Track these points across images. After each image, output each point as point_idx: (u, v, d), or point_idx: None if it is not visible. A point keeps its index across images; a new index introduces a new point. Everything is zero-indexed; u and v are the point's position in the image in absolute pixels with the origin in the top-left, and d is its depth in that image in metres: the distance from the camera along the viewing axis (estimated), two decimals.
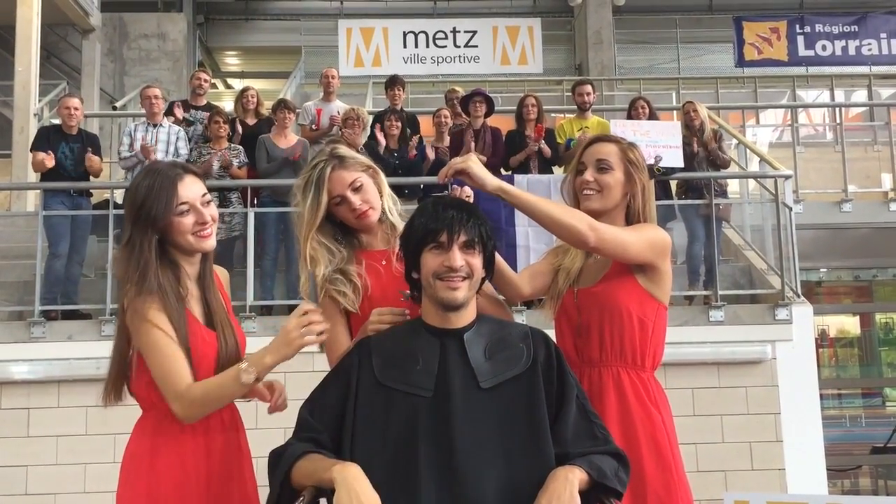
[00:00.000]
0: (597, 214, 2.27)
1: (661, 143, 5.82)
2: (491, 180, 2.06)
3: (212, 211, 2.14)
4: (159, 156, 6.22)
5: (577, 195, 2.34)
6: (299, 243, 2.22)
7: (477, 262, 1.91)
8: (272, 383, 2.24)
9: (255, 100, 7.06)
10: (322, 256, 2.18)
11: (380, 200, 2.26)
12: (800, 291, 5.84)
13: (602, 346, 2.23)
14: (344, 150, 2.27)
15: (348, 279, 2.19)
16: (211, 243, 2.14)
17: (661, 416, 2.21)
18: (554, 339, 2.08)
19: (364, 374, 1.89)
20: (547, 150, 6.43)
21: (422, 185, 6.42)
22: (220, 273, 2.33)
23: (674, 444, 2.22)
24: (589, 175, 2.30)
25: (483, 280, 1.99)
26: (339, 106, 7.29)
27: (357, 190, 2.20)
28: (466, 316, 1.93)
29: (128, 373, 2.12)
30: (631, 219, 2.34)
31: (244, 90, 7.24)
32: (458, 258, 1.87)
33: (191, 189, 2.09)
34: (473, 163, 2.06)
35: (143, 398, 2.11)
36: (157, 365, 2.01)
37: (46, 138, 6.25)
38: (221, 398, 2.02)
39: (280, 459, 1.84)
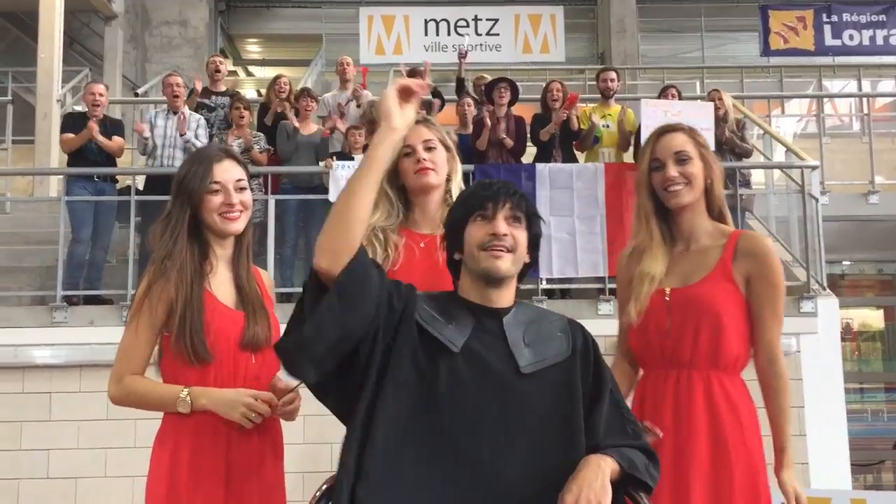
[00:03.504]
0: (684, 209, 2.23)
1: (693, 124, 5.68)
2: None
3: (243, 197, 2.21)
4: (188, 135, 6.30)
5: (656, 193, 2.26)
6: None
7: (521, 235, 1.86)
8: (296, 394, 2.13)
9: (287, 87, 7.04)
10: (382, 204, 2.25)
11: (445, 173, 2.30)
12: (825, 284, 5.76)
13: (695, 349, 2.15)
14: (434, 121, 2.38)
15: (383, 244, 2.23)
16: (236, 226, 2.20)
17: (752, 420, 2.21)
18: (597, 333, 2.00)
19: (409, 304, 1.83)
20: (575, 122, 6.46)
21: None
22: (263, 275, 2.38)
23: (761, 448, 2.21)
24: (672, 170, 2.22)
25: (528, 266, 1.92)
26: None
27: (429, 149, 2.26)
28: (506, 297, 1.88)
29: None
30: (711, 206, 2.28)
31: (277, 77, 7.19)
32: (502, 226, 1.83)
33: (226, 172, 2.19)
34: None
35: (169, 377, 2.15)
36: (123, 340, 2.13)
37: (73, 124, 6.34)
38: (153, 406, 2.13)
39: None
